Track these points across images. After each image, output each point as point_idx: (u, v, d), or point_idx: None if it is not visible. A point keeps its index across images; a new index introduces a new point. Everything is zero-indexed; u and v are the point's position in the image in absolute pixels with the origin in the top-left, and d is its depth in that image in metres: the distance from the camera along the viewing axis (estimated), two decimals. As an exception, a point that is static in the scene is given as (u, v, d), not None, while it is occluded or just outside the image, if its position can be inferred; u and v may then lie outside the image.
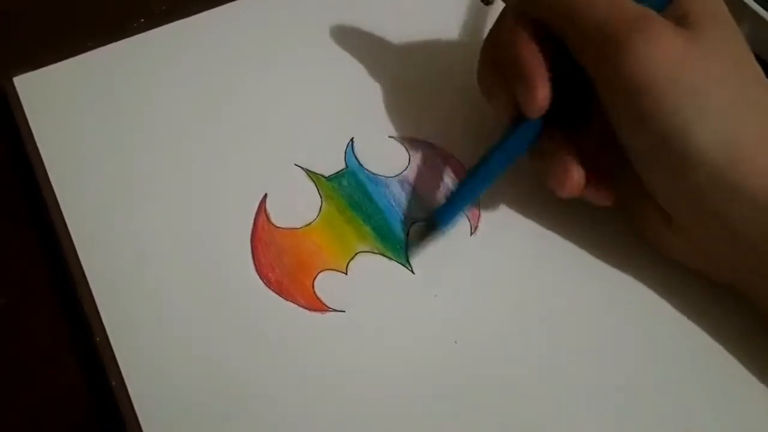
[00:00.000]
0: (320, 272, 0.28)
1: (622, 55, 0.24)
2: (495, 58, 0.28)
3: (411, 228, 0.29)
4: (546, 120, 0.27)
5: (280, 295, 0.27)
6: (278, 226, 0.29)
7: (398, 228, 0.29)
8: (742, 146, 0.24)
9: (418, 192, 0.30)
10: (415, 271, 0.28)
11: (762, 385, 0.26)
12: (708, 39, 0.25)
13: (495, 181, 0.28)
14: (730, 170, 0.24)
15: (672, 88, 0.24)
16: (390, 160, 0.31)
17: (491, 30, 0.29)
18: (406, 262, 0.28)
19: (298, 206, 0.30)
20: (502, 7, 0.36)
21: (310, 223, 0.29)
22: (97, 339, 0.26)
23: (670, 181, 0.26)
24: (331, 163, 0.31)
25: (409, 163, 0.31)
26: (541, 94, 0.26)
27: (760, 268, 0.25)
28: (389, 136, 0.32)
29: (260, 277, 0.28)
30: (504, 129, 0.28)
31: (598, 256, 0.29)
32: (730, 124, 0.24)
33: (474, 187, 0.28)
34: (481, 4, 0.37)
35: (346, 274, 0.28)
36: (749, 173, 0.24)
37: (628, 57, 0.24)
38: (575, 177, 0.27)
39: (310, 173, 0.31)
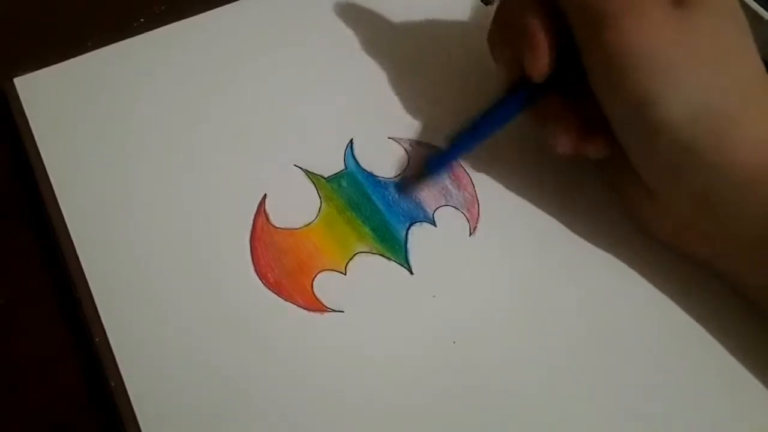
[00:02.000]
0: (319, 273, 0.28)
1: (607, 26, 0.25)
2: (505, 20, 0.29)
3: (410, 229, 0.29)
4: (546, 82, 0.28)
5: (279, 296, 0.27)
6: (277, 226, 0.29)
7: (397, 229, 0.29)
8: (717, 120, 0.25)
9: (417, 193, 0.30)
10: (413, 272, 0.28)
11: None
12: (700, 22, 0.25)
13: (488, 138, 0.29)
14: (702, 142, 0.25)
15: (648, 59, 0.25)
16: (389, 161, 0.31)
17: None
18: (405, 263, 0.29)
19: (298, 207, 0.30)
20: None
21: (309, 224, 0.29)
22: (97, 339, 0.26)
23: (645, 151, 0.27)
24: (331, 164, 0.31)
25: (408, 165, 0.31)
26: (545, 59, 0.27)
27: (734, 239, 0.26)
28: (389, 137, 0.32)
29: (259, 278, 0.28)
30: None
31: (597, 257, 0.29)
32: (705, 98, 0.25)
33: (469, 141, 0.30)
34: (482, 5, 0.37)
35: (345, 274, 0.28)
36: (723, 146, 0.25)
37: (612, 29, 0.25)
38: (571, 133, 0.28)
39: (309, 174, 0.31)
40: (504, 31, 0.29)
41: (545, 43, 0.27)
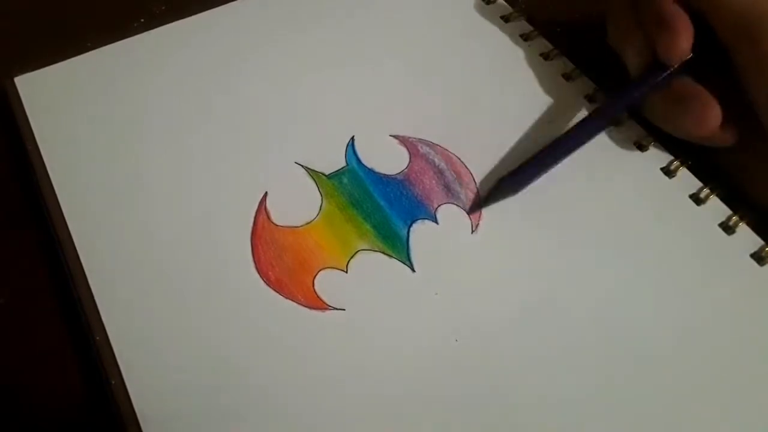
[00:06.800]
0: (320, 270, 0.28)
1: (763, 40, 0.25)
2: (633, 3, 0.29)
3: (412, 226, 0.29)
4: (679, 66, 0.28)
5: (280, 294, 0.27)
6: (278, 224, 0.29)
7: (399, 226, 0.29)
8: None
9: (418, 190, 0.30)
10: (415, 269, 0.28)
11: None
12: None
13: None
14: None
15: None
16: (391, 158, 0.31)
17: None
18: (406, 260, 0.28)
19: (299, 204, 0.29)
20: (501, 7, 0.37)
21: (310, 222, 0.29)
22: (97, 338, 0.26)
23: None
24: (332, 161, 0.31)
25: (409, 162, 0.31)
26: (684, 42, 0.27)
27: None
28: (390, 135, 0.32)
29: (260, 276, 0.28)
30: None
31: (599, 255, 0.29)
32: None
33: (588, 131, 0.30)
34: (483, 4, 0.37)
35: (347, 272, 0.28)
36: None
37: None
38: (715, 112, 0.27)
39: (310, 171, 0.30)
40: (631, 12, 0.29)
41: (684, 24, 0.26)
